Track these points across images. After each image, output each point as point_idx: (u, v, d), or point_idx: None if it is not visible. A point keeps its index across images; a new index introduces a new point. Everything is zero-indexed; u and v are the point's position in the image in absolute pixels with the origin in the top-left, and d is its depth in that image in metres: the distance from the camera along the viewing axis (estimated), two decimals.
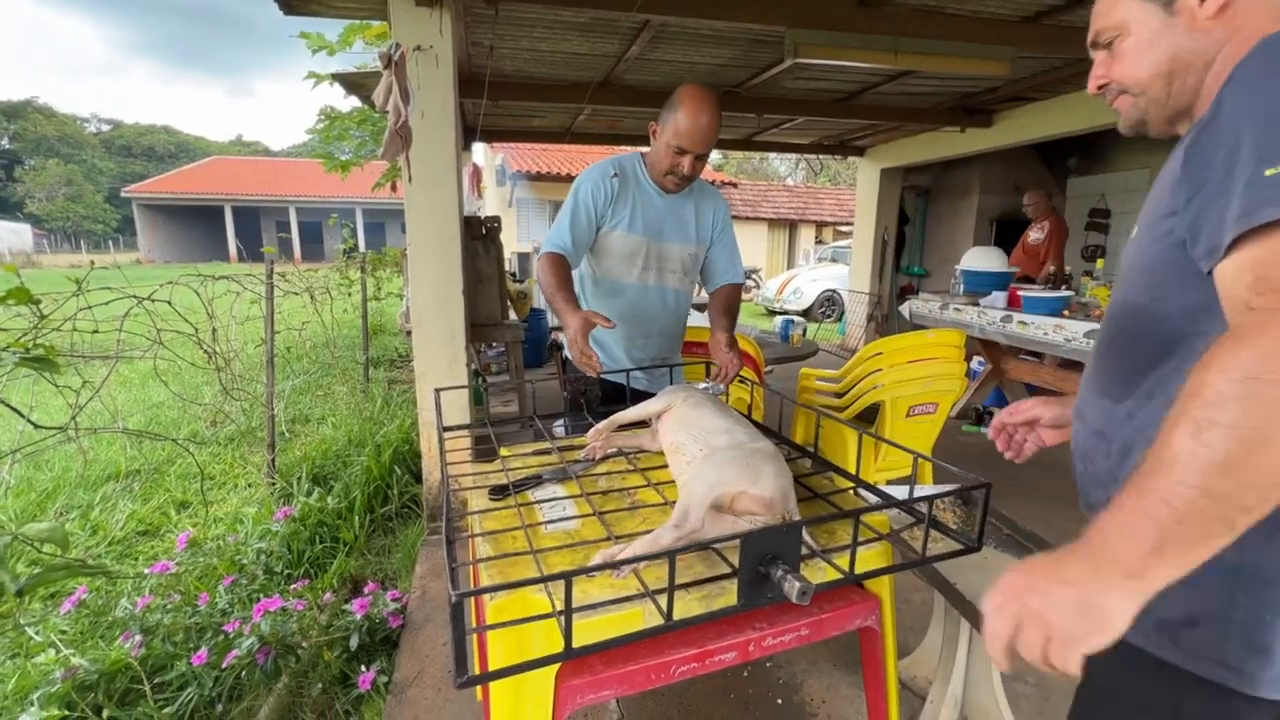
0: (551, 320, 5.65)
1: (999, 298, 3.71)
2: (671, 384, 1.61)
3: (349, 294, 5.71)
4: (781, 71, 3.89)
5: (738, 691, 1.80)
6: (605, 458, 1.40)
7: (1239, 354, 0.52)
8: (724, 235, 1.90)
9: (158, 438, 3.41)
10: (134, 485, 3.04)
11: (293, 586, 2.08)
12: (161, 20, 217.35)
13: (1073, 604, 0.55)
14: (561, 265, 1.66)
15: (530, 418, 1.64)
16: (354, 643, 1.86)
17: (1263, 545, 0.62)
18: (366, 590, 2.07)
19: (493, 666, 0.86)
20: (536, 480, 1.27)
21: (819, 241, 15.68)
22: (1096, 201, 5.72)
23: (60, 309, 1.73)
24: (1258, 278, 0.56)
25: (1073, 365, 3.71)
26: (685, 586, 0.88)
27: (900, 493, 1.12)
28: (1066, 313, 3.26)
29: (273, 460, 2.97)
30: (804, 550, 0.91)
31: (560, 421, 1.79)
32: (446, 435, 1.36)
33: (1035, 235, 4.92)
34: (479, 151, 11.94)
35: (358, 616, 1.90)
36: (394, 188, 5.16)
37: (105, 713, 1.56)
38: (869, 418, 2.71)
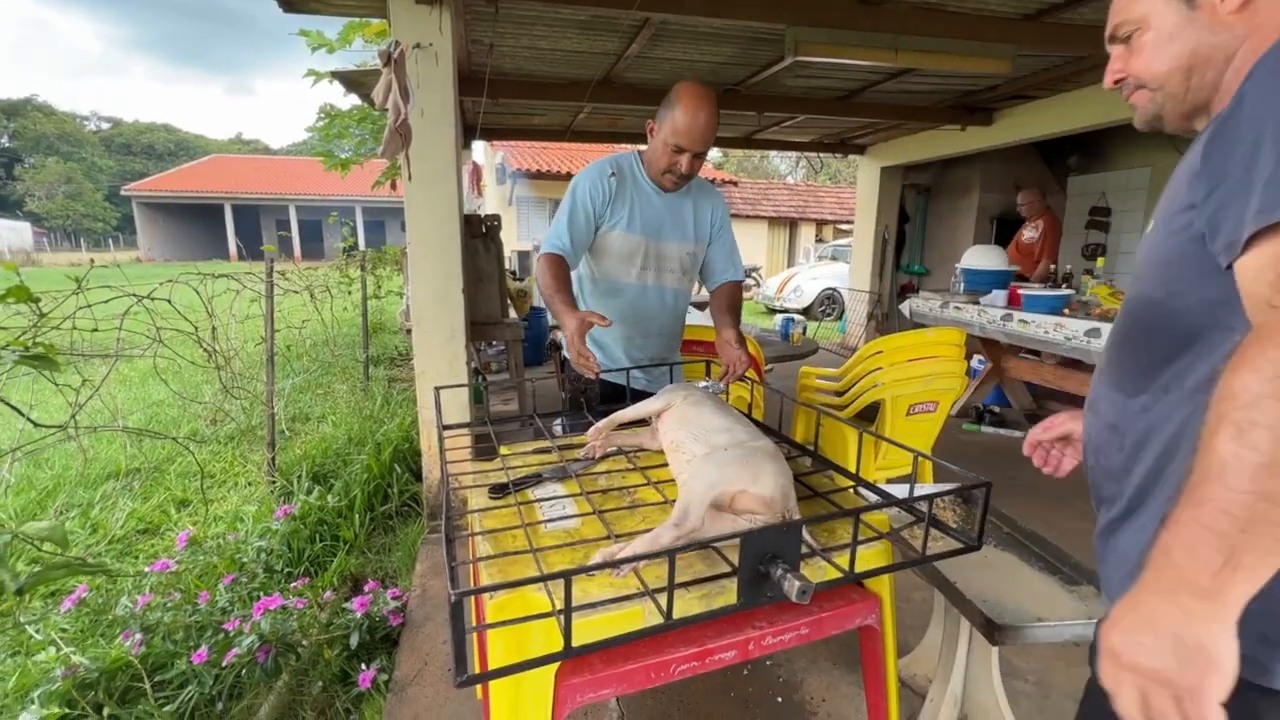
0: (551, 319, 5.65)
1: (999, 296, 3.70)
2: (671, 383, 1.61)
3: (349, 292, 5.72)
4: (782, 69, 3.88)
5: (738, 690, 1.80)
6: (605, 456, 1.40)
7: (1270, 353, 0.52)
8: (722, 233, 1.89)
9: (158, 436, 3.41)
10: (134, 484, 3.04)
11: (293, 585, 2.07)
12: (161, 18, 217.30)
13: (1170, 650, 0.53)
14: (560, 266, 1.65)
15: (530, 416, 1.64)
16: (354, 641, 1.86)
17: None
18: (367, 588, 2.07)
19: (492, 665, 0.86)
20: (536, 479, 1.26)
21: (819, 240, 15.67)
22: (1097, 200, 5.71)
23: (60, 307, 1.73)
24: (1279, 275, 0.56)
25: (1073, 364, 3.71)
26: (685, 585, 0.88)
27: (900, 491, 1.12)
28: (1067, 311, 3.26)
29: (273, 459, 2.97)
30: (804, 549, 0.91)
31: (558, 420, 1.79)
32: (446, 434, 1.36)
33: (1029, 234, 4.93)
34: (479, 150, 11.93)
35: (358, 615, 1.90)
36: (394, 186, 5.16)
37: (106, 711, 1.56)
38: (869, 416, 2.71)
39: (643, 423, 1.43)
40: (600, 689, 0.89)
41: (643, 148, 1.81)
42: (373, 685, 1.74)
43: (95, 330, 1.96)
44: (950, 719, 1.54)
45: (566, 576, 0.73)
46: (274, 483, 2.89)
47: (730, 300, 1.82)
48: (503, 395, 4.88)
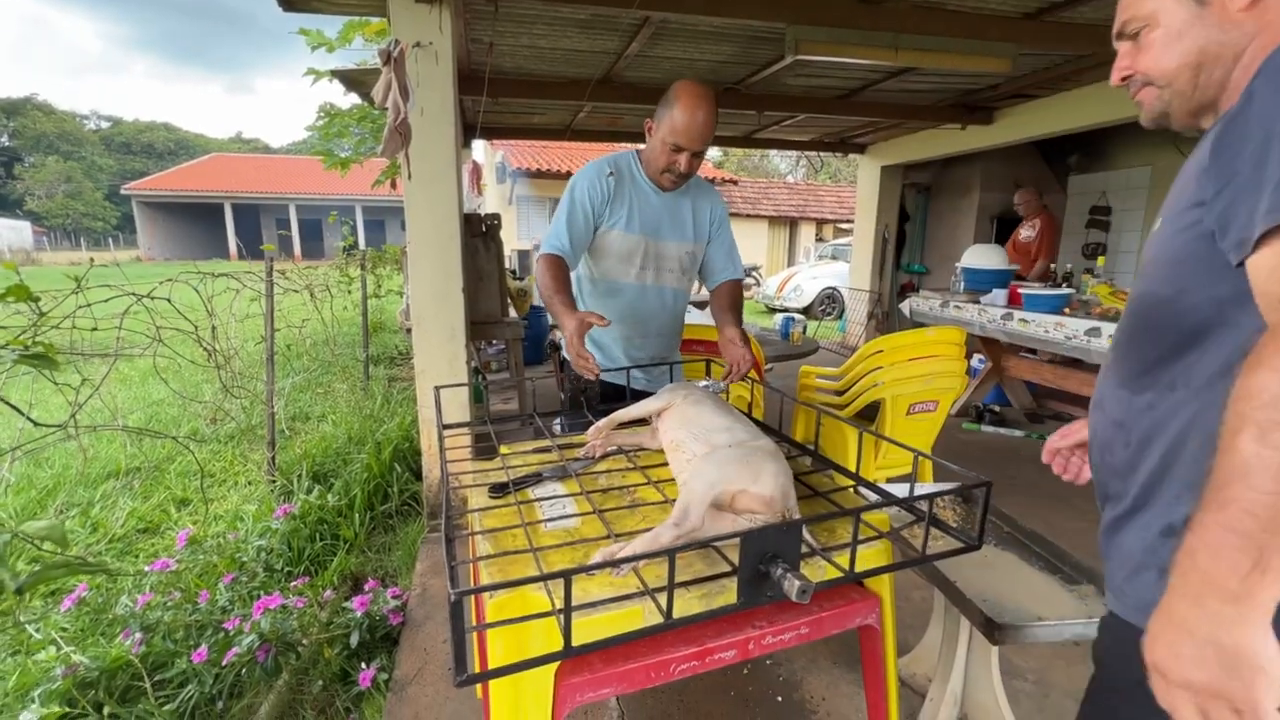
0: (551, 318, 5.63)
1: (999, 295, 3.70)
2: (671, 382, 1.61)
3: (349, 291, 5.72)
4: (782, 68, 3.88)
5: (738, 689, 1.80)
6: (605, 456, 1.40)
7: None
8: (722, 232, 1.89)
9: (158, 435, 3.41)
10: (134, 483, 3.04)
11: (293, 584, 2.08)
12: (161, 16, 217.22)
13: (1214, 657, 0.52)
14: (559, 267, 1.65)
15: (530, 415, 1.64)
16: (354, 640, 1.86)
17: None
18: (367, 587, 2.07)
19: (492, 664, 0.86)
20: (536, 478, 1.26)
21: (819, 239, 15.66)
22: (1097, 199, 5.71)
23: (59, 306, 1.73)
24: None
25: (1073, 363, 3.71)
26: (685, 585, 0.88)
27: (900, 491, 1.11)
28: (1067, 310, 3.25)
29: (273, 458, 2.97)
30: (804, 548, 0.91)
31: (558, 420, 1.78)
32: (446, 433, 1.36)
33: (1026, 233, 4.93)
34: (479, 149, 11.92)
35: (358, 614, 1.91)
36: (394, 185, 5.16)
37: (106, 709, 1.56)
38: (869, 416, 2.71)
39: (643, 422, 1.43)
40: (600, 688, 0.89)
41: (641, 147, 1.81)
42: (373, 684, 1.74)
43: (95, 329, 1.96)
44: (950, 718, 1.54)
45: (566, 576, 0.73)
46: (274, 482, 2.89)
47: (731, 299, 1.82)
48: (503, 394, 4.88)
